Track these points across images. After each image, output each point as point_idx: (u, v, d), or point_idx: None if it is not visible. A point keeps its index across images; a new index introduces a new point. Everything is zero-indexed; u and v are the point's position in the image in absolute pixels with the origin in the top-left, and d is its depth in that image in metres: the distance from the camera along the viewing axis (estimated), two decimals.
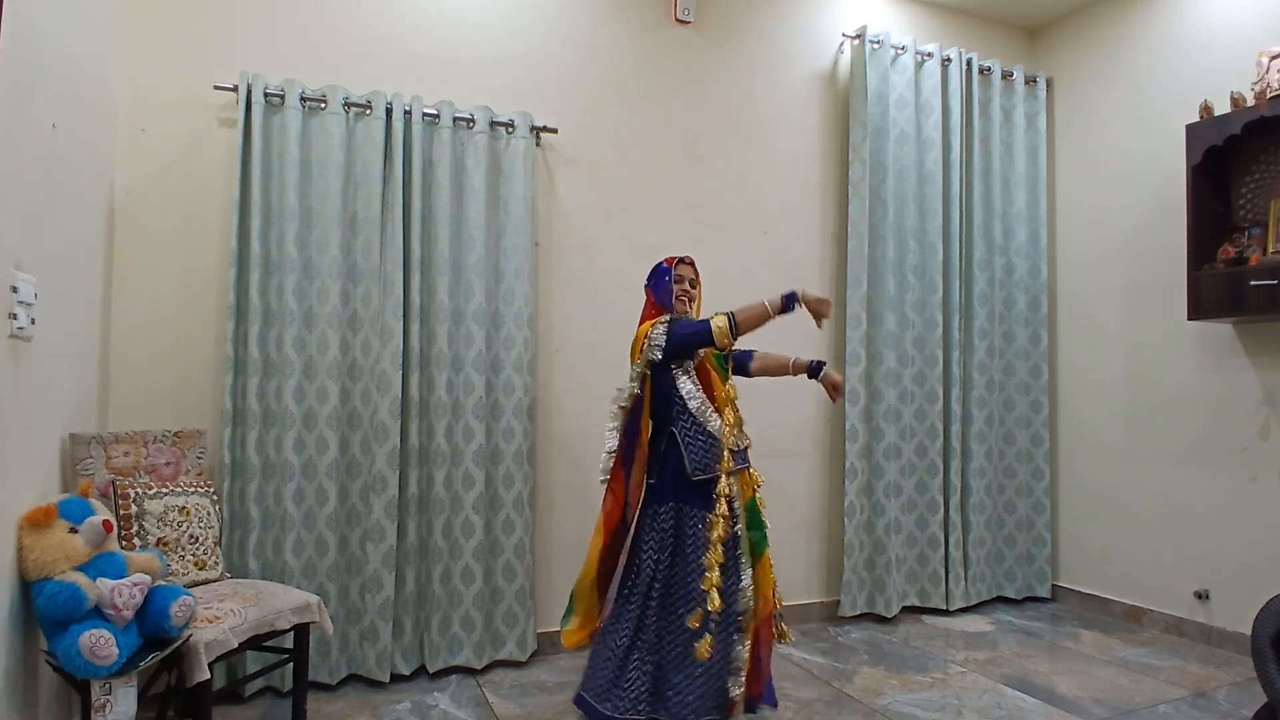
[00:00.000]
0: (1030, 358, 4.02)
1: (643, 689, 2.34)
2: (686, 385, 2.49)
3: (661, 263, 2.65)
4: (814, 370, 2.64)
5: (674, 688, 2.34)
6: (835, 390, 2.64)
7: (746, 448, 2.55)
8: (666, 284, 2.59)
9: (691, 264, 2.66)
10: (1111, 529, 3.81)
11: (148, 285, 2.75)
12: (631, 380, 2.53)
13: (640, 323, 2.63)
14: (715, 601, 2.31)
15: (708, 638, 2.31)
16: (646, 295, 2.66)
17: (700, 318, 2.60)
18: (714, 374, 2.56)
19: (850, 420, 3.66)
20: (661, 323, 2.51)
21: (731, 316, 2.41)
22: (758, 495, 2.54)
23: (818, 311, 2.42)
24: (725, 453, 2.44)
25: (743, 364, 2.75)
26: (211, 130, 2.84)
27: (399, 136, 2.93)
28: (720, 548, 2.36)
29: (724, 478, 2.43)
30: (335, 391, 2.84)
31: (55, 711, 2.07)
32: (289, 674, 2.61)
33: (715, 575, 2.34)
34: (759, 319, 2.41)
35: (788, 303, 2.40)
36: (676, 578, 2.41)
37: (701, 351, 2.53)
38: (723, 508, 2.40)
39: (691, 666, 2.34)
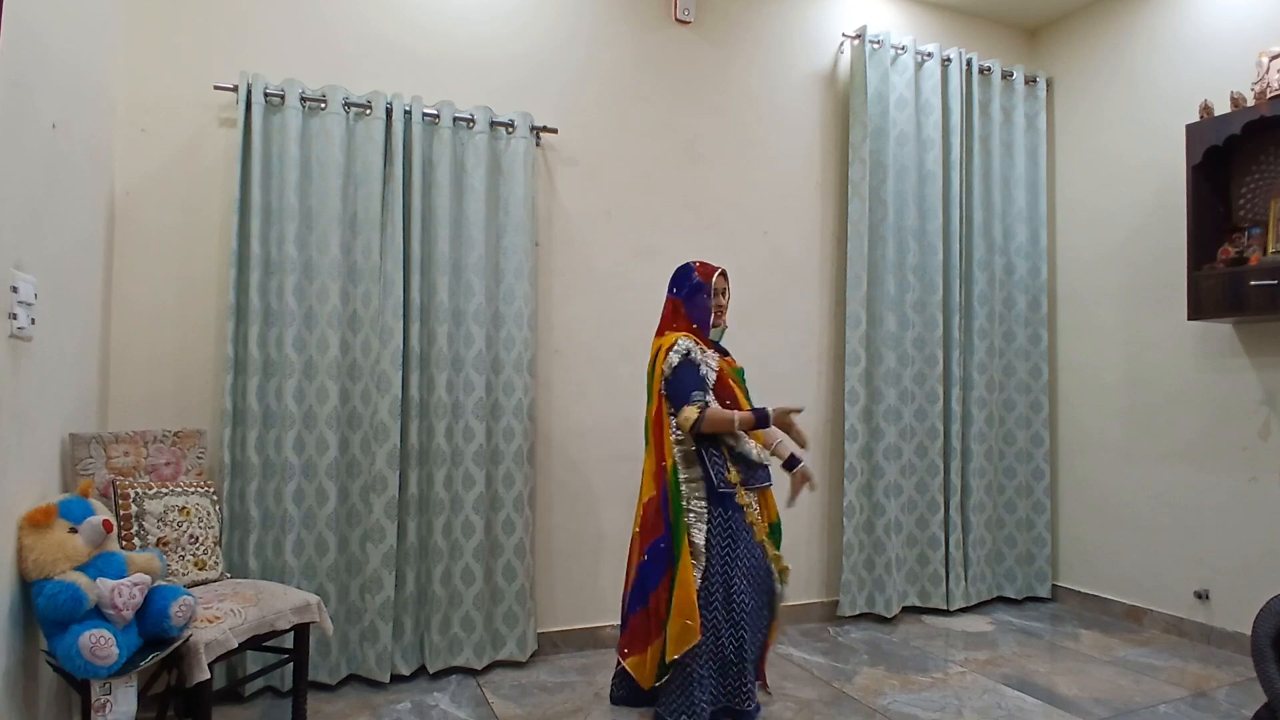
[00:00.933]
0: (1030, 358, 4.02)
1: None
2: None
3: (694, 273, 2.58)
4: (790, 464, 2.54)
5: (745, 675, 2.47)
6: (801, 486, 2.55)
7: (765, 464, 2.58)
8: (704, 301, 2.55)
9: (725, 275, 2.63)
10: (1111, 529, 3.81)
11: (148, 285, 2.75)
12: (696, 402, 2.45)
13: (660, 332, 2.61)
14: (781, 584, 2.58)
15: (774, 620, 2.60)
16: (671, 303, 2.62)
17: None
18: (737, 389, 2.55)
19: (850, 420, 3.66)
20: (678, 353, 2.47)
21: (703, 414, 2.41)
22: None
23: (788, 423, 2.53)
24: (745, 471, 2.51)
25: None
26: (211, 130, 2.84)
27: (399, 136, 2.93)
28: (762, 532, 2.54)
29: (744, 493, 2.50)
30: (335, 391, 2.84)
31: (55, 711, 2.07)
32: (289, 674, 2.61)
33: (777, 557, 2.57)
34: (723, 427, 2.43)
35: (760, 419, 2.46)
36: (714, 573, 2.46)
37: (717, 367, 2.54)
38: (753, 511, 2.53)
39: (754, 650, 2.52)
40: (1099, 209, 3.93)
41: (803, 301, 3.74)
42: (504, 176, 3.12)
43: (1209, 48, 3.48)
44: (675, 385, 2.46)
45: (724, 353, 2.69)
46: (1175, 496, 3.55)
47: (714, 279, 2.57)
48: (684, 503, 2.46)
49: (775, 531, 2.62)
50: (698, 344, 2.52)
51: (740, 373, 2.66)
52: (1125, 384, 3.78)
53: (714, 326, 2.60)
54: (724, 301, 2.62)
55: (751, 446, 2.51)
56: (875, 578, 3.67)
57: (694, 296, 2.56)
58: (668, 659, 2.42)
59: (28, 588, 1.76)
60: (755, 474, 2.54)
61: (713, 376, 2.49)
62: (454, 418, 3.01)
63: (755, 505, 2.54)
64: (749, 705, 2.45)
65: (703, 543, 2.44)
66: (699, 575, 2.42)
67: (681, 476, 2.47)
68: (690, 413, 2.41)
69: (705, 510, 2.46)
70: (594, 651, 3.22)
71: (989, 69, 3.99)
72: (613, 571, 3.26)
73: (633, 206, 3.43)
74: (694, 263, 2.64)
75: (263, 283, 2.77)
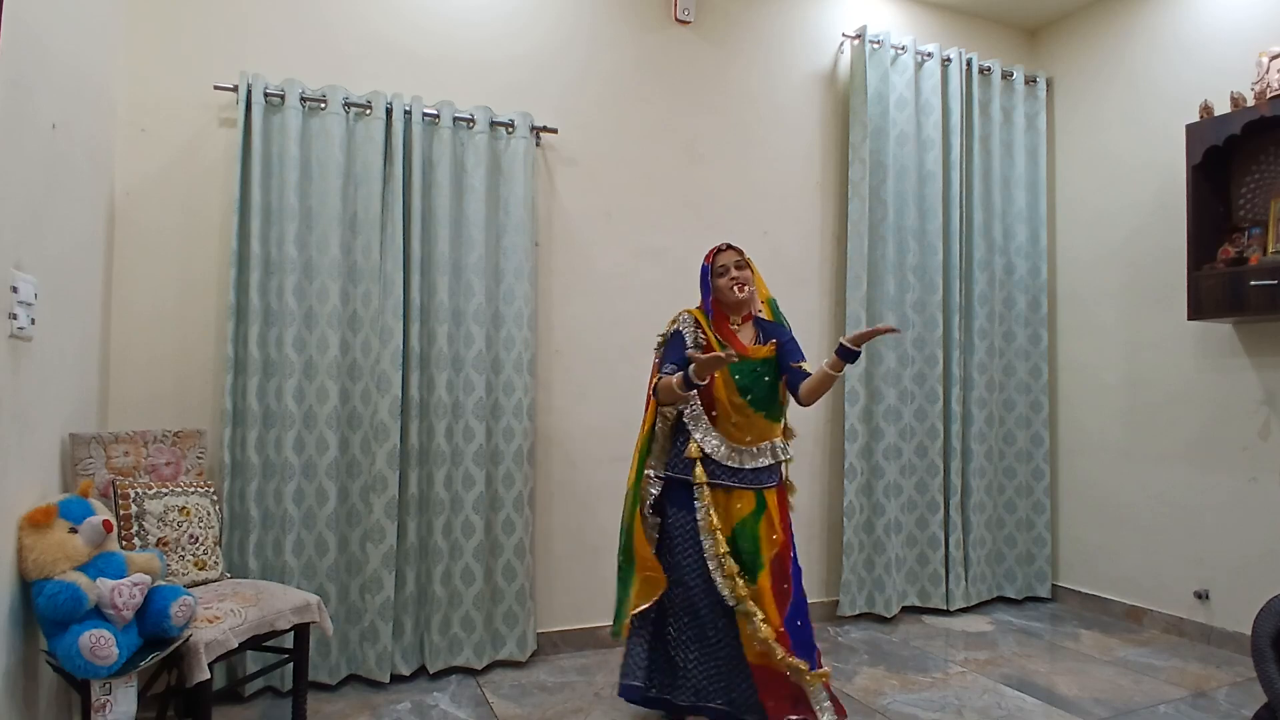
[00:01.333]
0: (1030, 358, 4.02)
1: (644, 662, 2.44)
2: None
3: (705, 259, 2.54)
4: (844, 353, 2.31)
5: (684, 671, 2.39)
6: (882, 332, 2.28)
7: (751, 467, 2.40)
8: (706, 282, 2.51)
9: (731, 248, 2.50)
10: (1111, 529, 3.81)
11: (148, 285, 2.75)
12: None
13: None
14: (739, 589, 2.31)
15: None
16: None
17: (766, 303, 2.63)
18: (720, 379, 2.38)
19: (850, 420, 3.66)
20: (668, 337, 2.50)
21: (655, 387, 2.42)
22: (762, 518, 2.41)
23: (710, 368, 2.25)
24: (699, 462, 2.37)
25: (794, 393, 2.46)
26: (211, 130, 2.84)
27: (399, 136, 2.93)
28: (713, 538, 2.34)
29: (700, 475, 2.36)
30: (335, 391, 2.84)
31: (55, 711, 2.07)
32: (289, 674, 2.61)
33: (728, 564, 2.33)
34: (671, 394, 2.32)
35: (684, 381, 2.28)
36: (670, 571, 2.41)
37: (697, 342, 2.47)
38: (703, 505, 2.36)
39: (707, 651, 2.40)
40: (1099, 209, 3.93)
41: (803, 301, 3.74)
42: (504, 176, 3.12)
43: (1209, 48, 3.48)
44: (662, 361, 2.49)
45: (771, 333, 2.53)
46: (1175, 496, 3.54)
47: (714, 259, 2.50)
48: (645, 470, 2.47)
49: (737, 542, 2.37)
50: (694, 318, 2.48)
51: (761, 362, 2.45)
52: (1125, 384, 3.78)
53: (729, 301, 2.48)
54: (736, 274, 2.45)
55: (698, 442, 2.38)
56: (875, 578, 3.67)
57: (702, 281, 2.54)
58: (632, 608, 2.42)
59: (28, 588, 1.76)
60: (718, 468, 2.38)
61: (690, 348, 2.41)
62: (454, 418, 3.01)
63: (707, 503, 2.35)
64: (680, 700, 2.37)
65: (648, 514, 2.46)
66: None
67: (654, 446, 2.49)
68: (657, 380, 2.43)
69: (658, 490, 2.46)
70: (594, 651, 3.23)
71: (989, 69, 3.99)
72: (612, 571, 3.25)
73: (633, 207, 3.43)
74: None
75: (263, 283, 2.77)
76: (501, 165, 3.13)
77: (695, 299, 3.31)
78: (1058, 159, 4.16)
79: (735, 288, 2.46)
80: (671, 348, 2.46)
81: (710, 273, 2.50)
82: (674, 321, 2.52)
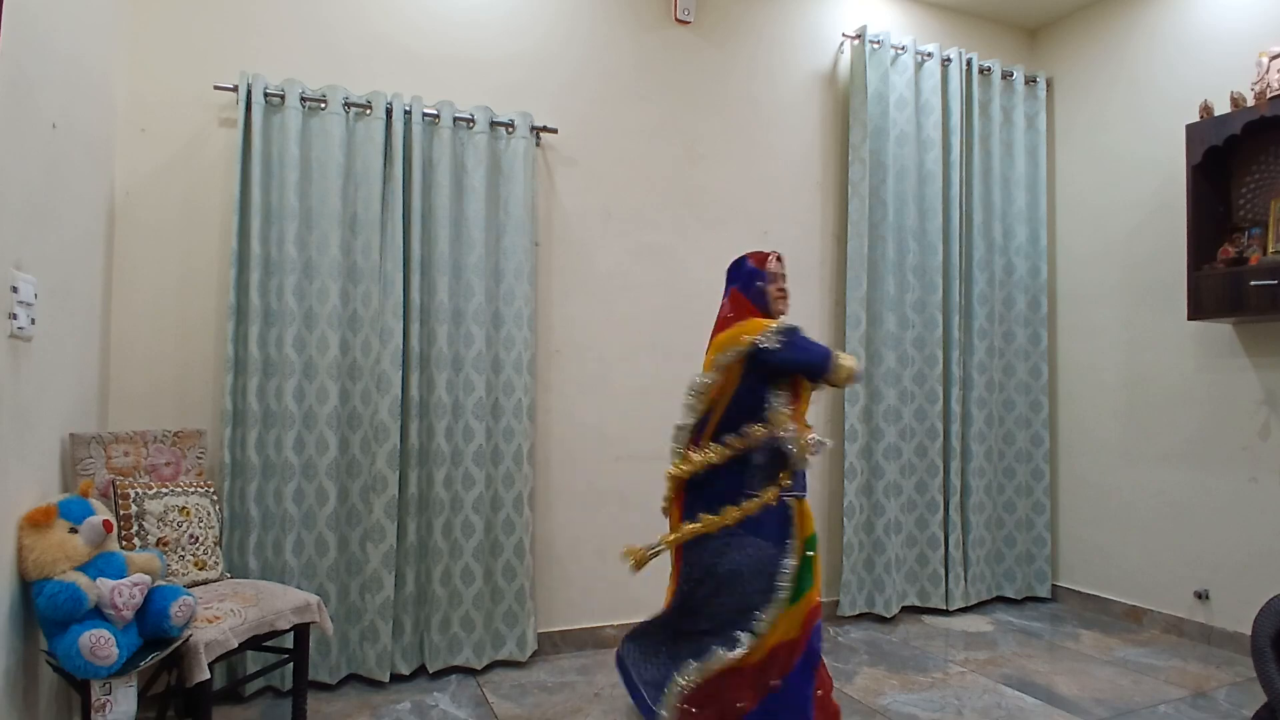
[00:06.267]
0: (1030, 358, 4.02)
1: None
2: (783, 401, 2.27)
3: (747, 262, 2.42)
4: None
5: None
6: None
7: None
8: (759, 289, 2.37)
9: (781, 259, 2.45)
10: (1111, 529, 3.81)
11: (148, 285, 2.75)
12: (712, 372, 2.28)
13: (721, 322, 2.42)
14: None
15: None
16: (735, 295, 2.42)
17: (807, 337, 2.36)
18: (806, 385, 2.34)
19: (850, 420, 3.66)
20: (786, 327, 2.27)
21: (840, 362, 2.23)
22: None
23: None
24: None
25: None
26: (211, 130, 2.84)
27: (399, 136, 2.93)
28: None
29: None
30: (335, 391, 2.84)
31: (55, 711, 2.07)
32: (289, 674, 2.61)
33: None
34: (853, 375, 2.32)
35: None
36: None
37: None
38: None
39: None
40: (1099, 209, 3.93)
41: (803, 301, 3.72)
42: (504, 176, 3.12)
43: (1209, 48, 3.48)
44: (808, 351, 2.26)
45: None
46: (1175, 496, 3.54)
47: (767, 264, 2.40)
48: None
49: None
50: None
51: None
52: (1125, 384, 3.78)
53: (777, 311, 2.41)
54: (785, 286, 2.42)
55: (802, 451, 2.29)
56: (875, 578, 3.67)
57: (746, 283, 2.40)
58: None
59: (28, 588, 1.76)
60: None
61: None
62: (454, 418, 3.01)
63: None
64: None
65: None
66: None
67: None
68: (850, 360, 2.24)
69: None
70: (594, 651, 3.22)
71: (989, 69, 3.99)
72: (612, 572, 3.26)
73: (632, 206, 3.43)
74: (745, 254, 2.47)
75: (263, 282, 2.77)
76: (501, 165, 3.13)
77: (694, 299, 3.32)
78: (1058, 159, 4.16)
79: (783, 300, 2.41)
80: (808, 339, 2.28)
81: (764, 278, 2.39)
82: (775, 327, 2.28)
